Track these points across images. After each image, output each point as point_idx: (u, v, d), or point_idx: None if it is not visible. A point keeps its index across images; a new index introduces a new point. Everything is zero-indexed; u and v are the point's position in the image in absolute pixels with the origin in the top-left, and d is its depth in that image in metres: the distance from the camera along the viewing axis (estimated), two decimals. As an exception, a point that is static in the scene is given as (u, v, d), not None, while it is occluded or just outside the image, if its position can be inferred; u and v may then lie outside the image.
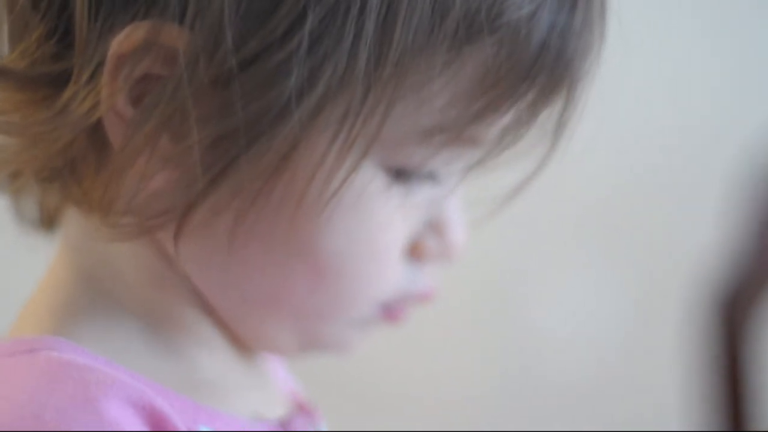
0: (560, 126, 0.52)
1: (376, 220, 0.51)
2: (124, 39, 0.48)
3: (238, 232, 0.50)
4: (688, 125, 1.44)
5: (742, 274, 1.09)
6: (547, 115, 0.52)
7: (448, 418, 1.82)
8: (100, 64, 0.48)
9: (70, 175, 0.52)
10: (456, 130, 0.50)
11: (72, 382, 0.48)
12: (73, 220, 0.54)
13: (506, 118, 0.51)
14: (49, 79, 0.50)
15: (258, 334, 0.54)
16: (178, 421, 0.49)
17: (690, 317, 1.14)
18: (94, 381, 0.48)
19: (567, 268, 1.61)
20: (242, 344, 0.56)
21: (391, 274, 0.53)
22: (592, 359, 1.73)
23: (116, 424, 0.47)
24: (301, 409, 0.59)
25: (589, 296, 1.70)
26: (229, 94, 0.47)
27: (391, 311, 0.55)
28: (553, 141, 0.52)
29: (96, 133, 0.50)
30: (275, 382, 0.59)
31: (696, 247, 1.33)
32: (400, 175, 0.51)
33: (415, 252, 0.54)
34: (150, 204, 0.50)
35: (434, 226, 0.54)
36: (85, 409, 0.47)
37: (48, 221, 0.56)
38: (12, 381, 0.49)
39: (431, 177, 0.52)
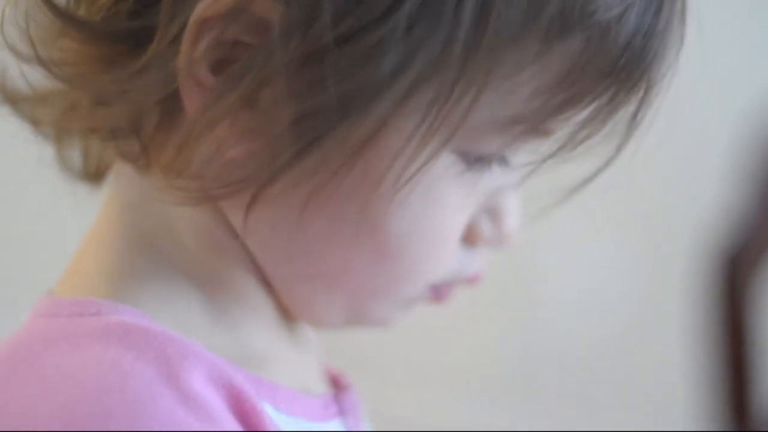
0: (633, 126, 0.52)
1: (446, 205, 0.51)
2: (213, 2, 0.46)
3: (310, 206, 0.49)
4: (693, 87, 1.44)
5: (746, 234, 1.09)
6: (623, 114, 0.52)
7: (463, 388, 1.83)
8: (183, 27, 0.47)
9: (133, 132, 0.50)
10: (535, 122, 0.50)
11: (153, 352, 0.47)
12: (128, 178, 0.52)
13: (584, 114, 0.51)
14: (124, 36, 0.48)
15: (307, 306, 0.54)
16: (256, 399, 0.48)
17: (696, 279, 1.15)
18: (175, 353, 0.47)
19: (576, 236, 1.61)
20: (290, 316, 0.55)
21: (449, 257, 0.53)
22: (603, 326, 1.74)
23: (201, 399, 0.46)
24: (337, 384, 0.59)
25: (599, 265, 1.70)
26: (321, 71, 0.46)
27: (438, 292, 0.56)
28: (624, 140, 0.53)
29: (168, 94, 0.48)
30: (317, 356, 0.59)
31: (701, 208, 1.33)
32: (474, 161, 0.51)
33: (469, 236, 0.54)
34: (224, 172, 0.49)
35: (491, 212, 0.54)
36: (170, 383, 0.46)
37: (95, 174, 0.54)
38: (82, 344, 0.47)
39: (502, 165, 0.52)
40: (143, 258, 0.51)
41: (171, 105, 0.49)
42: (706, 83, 1.50)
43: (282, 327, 0.55)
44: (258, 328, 0.53)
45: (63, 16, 0.49)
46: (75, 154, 0.55)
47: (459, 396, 1.83)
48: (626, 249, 1.71)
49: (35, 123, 0.54)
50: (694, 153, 1.55)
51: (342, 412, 0.55)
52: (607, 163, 0.53)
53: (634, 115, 0.52)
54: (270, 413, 0.50)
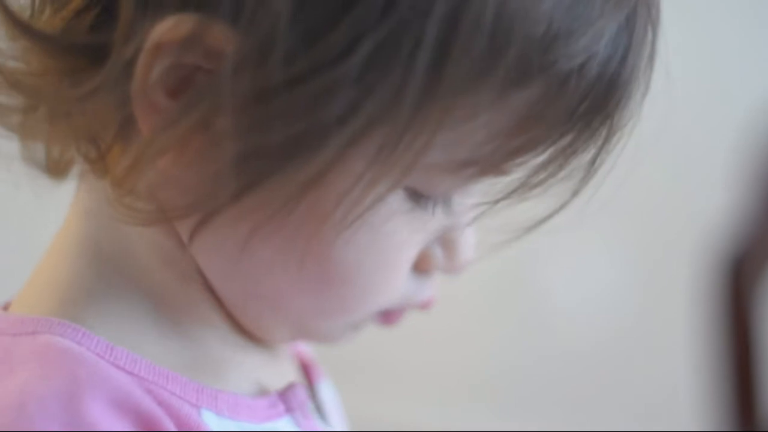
0: (591, 171, 0.52)
1: (394, 240, 0.51)
2: (170, 28, 0.46)
3: (256, 236, 0.49)
4: (696, 89, 1.44)
5: (750, 238, 1.09)
6: (582, 159, 0.51)
7: (464, 394, 1.82)
8: (139, 48, 0.46)
9: (90, 140, 0.51)
10: (489, 165, 0.50)
11: (63, 375, 0.48)
12: (89, 181, 0.53)
13: (540, 158, 0.50)
14: (83, 50, 0.48)
15: (253, 322, 0.55)
16: (167, 421, 0.49)
17: (700, 283, 1.14)
18: (85, 377, 0.48)
19: (579, 241, 1.61)
20: None
21: (396, 287, 0.53)
22: (606, 332, 1.73)
23: (94, 425, 0.47)
24: (304, 367, 0.61)
25: (602, 270, 1.70)
26: (269, 110, 0.46)
27: (388, 316, 0.56)
28: (581, 185, 0.52)
29: (123, 109, 0.48)
30: (282, 350, 0.60)
31: (705, 213, 1.33)
32: (425, 198, 0.51)
33: (422, 264, 0.54)
34: (171, 197, 0.49)
35: (445, 243, 0.54)
36: (67, 407, 0.47)
37: (55, 170, 0.54)
38: (11, 364, 0.49)
39: (445, 202, 0.52)
40: (93, 270, 0.52)
41: (127, 120, 0.49)
42: (709, 87, 1.51)
43: (237, 332, 0.55)
44: (212, 335, 0.54)
45: (21, 26, 0.49)
46: (39, 147, 0.55)
47: (459, 402, 1.83)
48: (630, 254, 1.70)
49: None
50: (698, 157, 1.54)
51: (289, 410, 0.55)
52: (563, 207, 0.53)
53: (593, 161, 0.52)
54: (210, 419, 0.51)
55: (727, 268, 1.08)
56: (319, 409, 0.60)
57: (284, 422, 0.55)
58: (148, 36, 0.46)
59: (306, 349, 0.63)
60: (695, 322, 1.20)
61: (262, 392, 0.55)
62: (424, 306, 0.56)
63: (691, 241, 1.35)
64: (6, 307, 0.55)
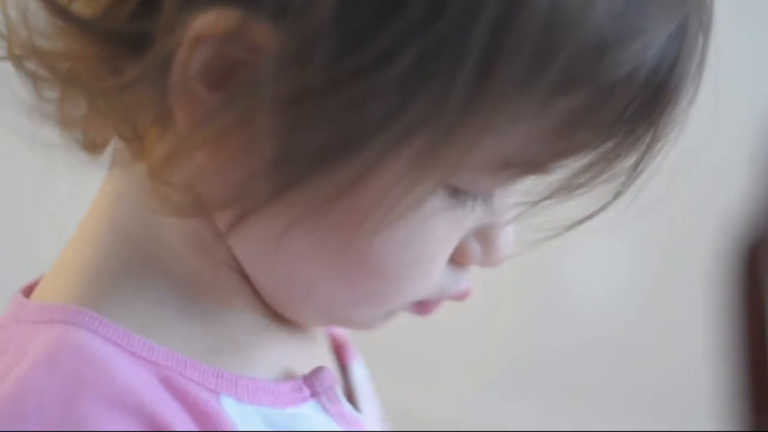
0: (633, 176, 0.51)
1: (432, 237, 0.51)
2: (212, 21, 0.45)
3: (292, 232, 0.49)
4: (714, 79, 1.43)
5: (766, 225, 1.09)
6: (625, 163, 0.51)
7: (482, 377, 1.83)
8: (180, 40, 0.46)
9: (129, 124, 0.50)
10: (531, 166, 0.50)
11: (67, 372, 0.48)
12: (123, 161, 0.52)
13: (584, 160, 0.50)
14: (122, 38, 0.48)
15: (287, 308, 0.55)
16: (179, 416, 0.49)
17: (716, 272, 1.14)
18: (89, 376, 0.48)
19: (594, 229, 1.61)
20: None
21: (432, 281, 0.53)
22: (623, 316, 1.73)
23: (90, 428, 0.47)
24: (337, 348, 0.60)
25: (618, 259, 1.69)
26: (310, 111, 0.45)
27: (424, 306, 0.56)
28: (623, 188, 0.52)
29: (163, 100, 0.48)
30: (316, 334, 0.60)
31: (721, 200, 1.33)
32: (464, 195, 0.51)
33: (458, 256, 0.54)
34: (209, 190, 0.49)
35: (482, 236, 0.54)
36: (64, 407, 0.47)
37: (92, 146, 0.53)
38: (24, 353, 0.49)
39: (486, 199, 0.52)
40: (119, 253, 0.52)
41: (168, 107, 0.48)
42: (728, 76, 1.50)
43: (269, 316, 0.55)
44: (240, 319, 0.54)
45: (58, 10, 0.48)
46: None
47: (475, 389, 1.83)
48: (647, 242, 1.70)
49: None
50: (715, 146, 1.54)
51: (315, 395, 0.54)
52: (604, 208, 0.52)
53: (636, 165, 0.51)
54: (230, 405, 0.51)
55: (743, 256, 1.08)
56: (352, 392, 0.60)
57: (309, 407, 0.54)
58: (190, 28, 0.45)
59: (340, 329, 0.63)
60: (712, 310, 1.20)
61: (289, 376, 0.55)
62: (460, 297, 0.56)
63: (707, 230, 1.35)
64: (31, 288, 0.55)
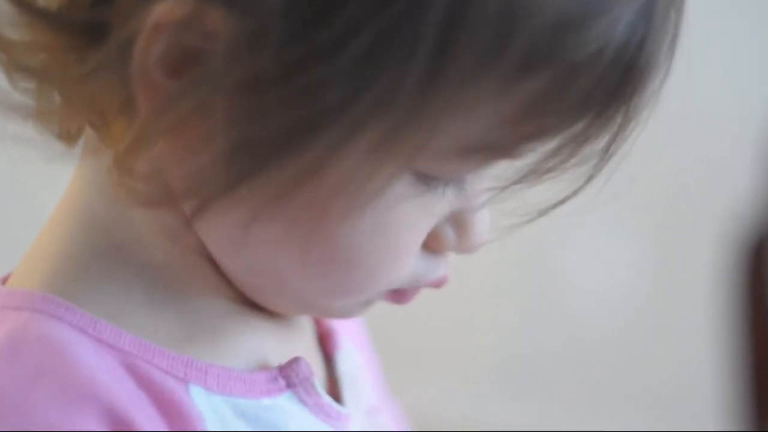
0: (605, 158, 0.50)
1: (401, 224, 0.50)
2: (169, 8, 0.46)
3: (257, 220, 0.49)
4: (719, 73, 1.43)
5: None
6: (596, 145, 0.50)
7: (483, 373, 1.83)
8: (139, 28, 0.46)
9: (98, 114, 0.50)
10: (498, 151, 0.49)
11: (28, 363, 0.48)
12: (94, 151, 0.52)
13: (551, 144, 0.49)
14: (83, 27, 0.48)
15: (258, 295, 0.54)
16: (141, 408, 0.49)
17: (719, 269, 1.14)
18: (48, 369, 0.48)
19: (596, 225, 1.60)
20: None
21: (405, 268, 0.52)
22: (625, 312, 1.73)
23: (47, 424, 0.47)
24: (322, 337, 0.59)
25: (620, 255, 1.69)
26: (265, 99, 0.46)
27: (401, 295, 0.55)
28: (595, 171, 0.51)
29: (126, 88, 0.48)
30: (297, 322, 0.59)
31: (724, 198, 1.32)
32: (435, 181, 0.50)
33: (433, 243, 0.53)
34: (173, 179, 0.49)
35: (456, 222, 0.53)
36: (23, 398, 0.47)
37: (67, 136, 0.53)
38: None
39: (458, 184, 0.51)
40: (87, 240, 0.52)
41: (132, 95, 0.48)
42: (732, 71, 1.50)
43: (244, 303, 0.55)
44: (213, 306, 0.54)
45: (21, 3, 0.48)
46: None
47: (475, 384, 1.83)
48: (650, 239, 1.70)
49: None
50: (719, 143, 1.54)
51: (291, 386, 0.54)
52: (575, 193, 0.51)
53: (607, 147, 0.50)
54: (198, 395, 0.51)
55: (747, 255, 1.07)
56: (337, 383, 0.59)
57: (285, 398, 0.54)
58: (148, 16, 0.46)
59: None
60: (714, 308, 1.20)
61: (264, 366, 0.54)
62: (437, 285, 0.55)
63: (710, 228, 1.35)
64: (5, 279, 0.55)
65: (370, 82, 0.45)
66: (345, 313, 0.55)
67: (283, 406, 0.53)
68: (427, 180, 0.50)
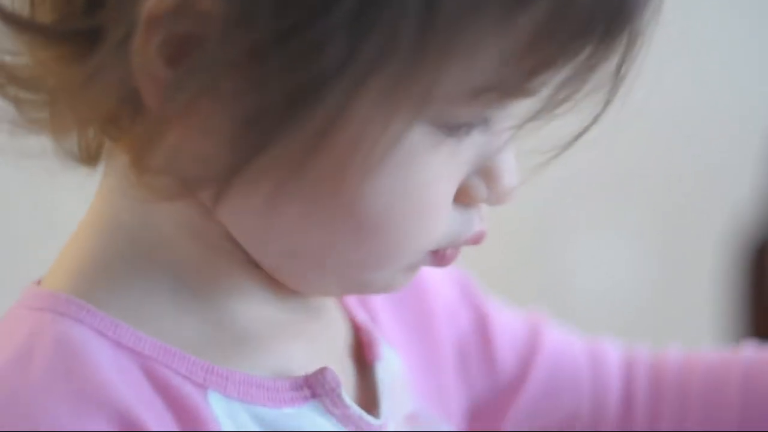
0: (618, 80, 0.50)
1: (424, 176, 0.50)
2: (158, 0, 0.46)
3: (278, 196, 0.49)
4: (725, 73, 1.43)
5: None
6: (606, 69, 0.50)
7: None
8: (132, 26, 0.47)
9: (112, 122, 0.51)
10: (508, 88, 0.49)
11: (43, 365, 0.49)
12: (114, 157, 0.53)
13: (562, 74, 0.49)
14: (79, 36, 0.49)
15: (300, 280, 0.54)
16: (155, 413, 0.49)
17: (724, 269, 1.14)
18: (63, 371, 0.49)
19: (602, 226, 1.60)
20: (289, 292, 0.55)
21: (439, 225, 0.52)
22: (628, 312, 1.73)
23: (57, 426, 0.47)
24: (361, 346, 0.59)
25: (625, 255, 1.69)
26: (265, 67, 0.46)
27: (441, 255, 0.54)
28: (610, 95, 0.51)
29: (128, 86, 0.48)
30: (335, 323, 0.58)
31: (728, 198, 1.32)
32: (451, 128, 0.50)
33: (463, 197, 0.53)
34: (189, 167, 0.49)
35: (484, 171, 0.53)
36: (35, 399, 0.48)
37: (87, 158, 0.54)
38: (12, 337, 0.50)
39: (483, 126, 0.51)
40: (112, 244, 0.52)
41: (135, 98, 0.49)
42: (734, 72, 1.50)
43: (272, 304, 0.54)
44: (242, 307, 0.53)
45: (11, 19, 0.49)
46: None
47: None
48: (654, 238, 1.70)
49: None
50: (719, 143, 1.54)
51: (316, 396, 0.53)
52: (595, 120, 0.51)
53: (618, 69, 0.50)
54: (217, 402, 0.51)
55: (750, 256, 1.08)
56: (374, 393, 0.58)
57: (309, 407, 0.53)
58: (140, 11, 0.46)
59: (367, 324, 0.60)
60: (719, 306, 1.20)
61: (288, 374, 0.54)
62: (475, 241, 0.54)
63: (714, 229, 1.35)
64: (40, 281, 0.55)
65: (366, 35, 0.45)
66: (389, 286, 0.55)
67: (307, 416, 0.53)
68: (446, 128, 0.50)
